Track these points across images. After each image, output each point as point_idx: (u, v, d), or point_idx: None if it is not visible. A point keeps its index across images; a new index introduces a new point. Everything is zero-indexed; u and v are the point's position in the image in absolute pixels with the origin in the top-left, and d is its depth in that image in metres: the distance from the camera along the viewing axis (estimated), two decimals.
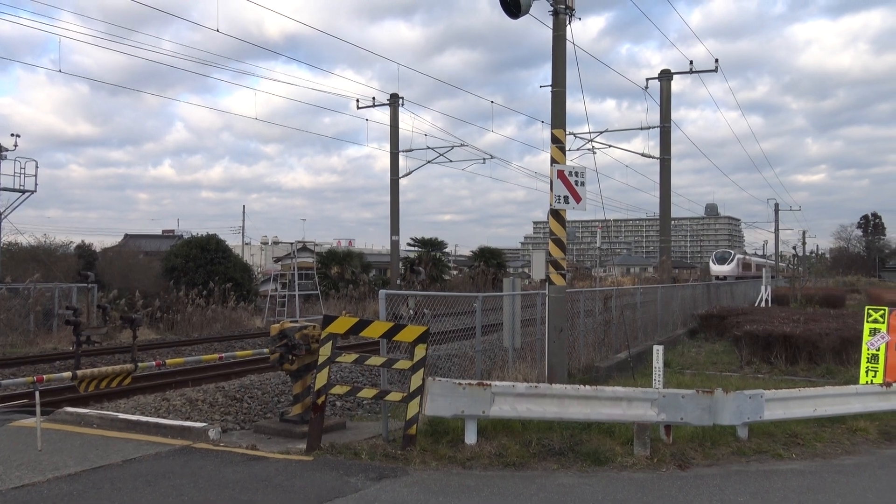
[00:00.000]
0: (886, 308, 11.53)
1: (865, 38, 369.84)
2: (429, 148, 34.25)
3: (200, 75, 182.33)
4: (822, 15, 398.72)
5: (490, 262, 48.08)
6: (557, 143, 10.63)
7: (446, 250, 51.91)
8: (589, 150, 27.95)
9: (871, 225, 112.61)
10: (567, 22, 10.70)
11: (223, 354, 9.94)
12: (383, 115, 34.68)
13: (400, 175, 35.01)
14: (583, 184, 10.44)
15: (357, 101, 33.97)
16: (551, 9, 10.67)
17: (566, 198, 10.36)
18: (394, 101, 34.13)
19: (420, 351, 8.06)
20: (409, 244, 48.37)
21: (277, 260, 40.21)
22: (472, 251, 56.85)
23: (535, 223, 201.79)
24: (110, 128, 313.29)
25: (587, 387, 8.44)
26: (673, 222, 37.47)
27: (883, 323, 11.24)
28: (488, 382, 8.12)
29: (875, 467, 7.95)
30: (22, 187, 25.66)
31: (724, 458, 7.99)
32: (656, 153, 29.09)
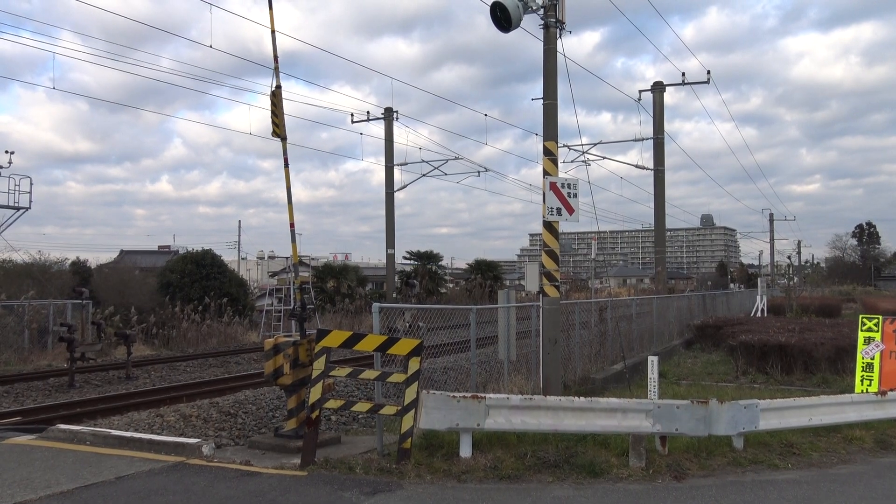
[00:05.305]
0: (880, 317, 11.56)
1: (857, 50, 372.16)
2: (424, 161, 34.48)
3: (199, 92, 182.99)
4: (814, 28, 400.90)
5: (486, 275, 47.98)
6: (550, 155, 10.67)
7: (442, 263, 51.81)
8: (583, 161, 28.12)
9: (866, 234, 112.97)
10: (558, 35, 10.79)
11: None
12: (379, 129, 34.85)
13: (395, 188, 35.13)
14: (575, 195, 10.47)
15: (352, 115, 34.18)
16: (542, 22, 10.76)
17: (559, 209, 10.39)
18: (388, 116, 34.30)
19: (414, 364, 8.05)
20: (405, 257, 48.35)
21: (273, 275, 40.14)
22: (468, 264, 56.86)
23: (531, 235, 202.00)
24: (109, 144, 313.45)
25: (582, 398, 8.42)
26: (668, 233, 37.59)
27: (877, 332, 11.26)
28: (482, 395, 8.10)
29: (871, 476, 7.93)
30: (16, 204, 25.66)
31: (719, 469, 7.97)
32: (651, 165, 29.28)
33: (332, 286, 36.48)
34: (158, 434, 9.74)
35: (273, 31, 9.72)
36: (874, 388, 10.90)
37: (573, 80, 11.83)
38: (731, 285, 66.11)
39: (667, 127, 29.27)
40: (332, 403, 8.75)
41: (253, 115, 40.66)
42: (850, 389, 11.59)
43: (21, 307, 22.12)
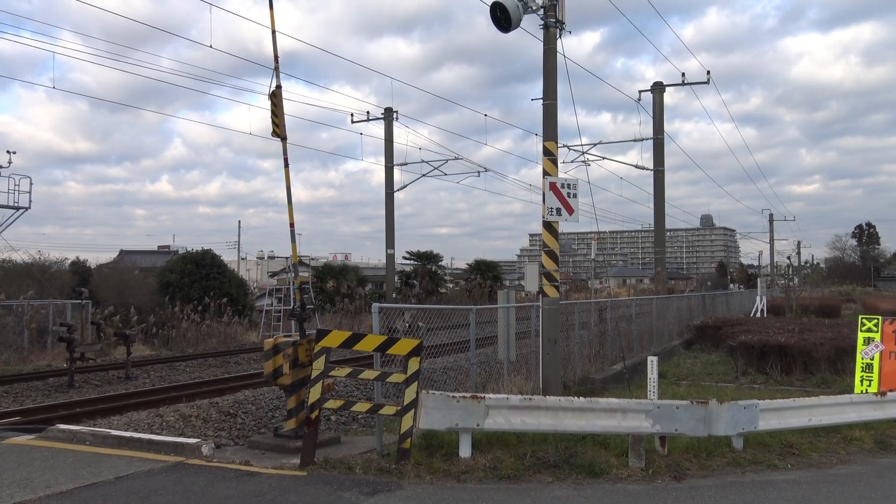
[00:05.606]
0: (880, 317, 11.56)
1: (856, 50, 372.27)
2: (423, 161, 34.53)
3: (199, 92, 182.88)
4: (813, 29, 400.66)
5: (486, 275, 48.00)
6: (549, 155, 10.67)
7: (442, 263, 51.77)
8: (583, 162, 28.13)
9: (866, 234, 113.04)
10: (557, 35, 10.79)
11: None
12: (379, 129, 34.89)
13: (395, 189, 35.15)
14: (575, 196, 10.47)
15: (352, 115, 34.19)
16: (542, 23, 10.76)
17: (559, 210, 10.39)
18: (388, 116, 34.31)
19: (414, 364, 8.05)
20: (405, 258, 48.34)
21: (273, 275, 40.15)
22: (468, 264, 56.83)
23: (531, 235, 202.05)
24: (109, 144, 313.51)
25: (581, 398, 8.42)
26: (668, 233, 37.58)
27: (877, 332, 11.27)
28: (482, 395, 8.09)
29: (870, 476, 7.94)
30: (16, 204, 25.67)
31: (719, 469, 7.97)
32: (651, 165, 29.29)
33: (332, 286, 36.48)
34: (158, 434, 9.73)
35: (273, 32, 9.72)
36: (874, 388, 10.90)
37: (573, 81, 11.84)
38: (731, 286, 66.14)
39: (667, 127, 29.30)
40: (332, 403, 8.75)
41: (253, 115, 40.70)
42: (850, 390, 11.59)
43: (21, 307, 22.11)
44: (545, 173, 10.60)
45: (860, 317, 11.80)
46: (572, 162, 29.54)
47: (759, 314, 31.46)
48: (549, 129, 10.85)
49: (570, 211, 10.44)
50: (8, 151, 25.52)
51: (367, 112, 34.10)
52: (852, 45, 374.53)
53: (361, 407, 8.68)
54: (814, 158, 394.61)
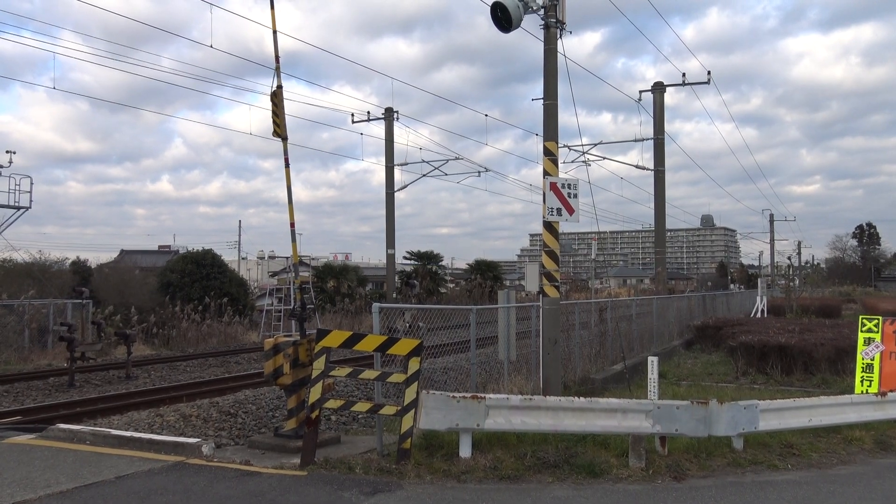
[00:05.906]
0: (880, 318, 11.56)
1: (857, 51, 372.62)
2: (424, 161, 34.56)
3: (200, 92, 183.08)
4: (814, 29, 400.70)
5: (486, 275, 48.01)
6: (550, 155, 10.68)
7: (442, 263, 51.79)
8: (583, 162, 28.15)
9: (866, 235, 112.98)
10: (558, 35, 10.79)
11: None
12: (380, 129, 34.85)
13: (396, 189, 35.16)
14: (575, 196, 10.47)
15: (352, 115, 34.19)
16: (542, 23, 10.76)
17: (559, 210, 10.39)
18: (389, 116, 34.31)
19: (414, 364, 8.05)
20: (405, 258, 48.36)
21: (273, 274, 40.14)
22: (468, 264, 56.89)
23: (531, 235, 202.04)
24: (109, 144, 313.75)
25: (582, 399, 8.42)
26: (668, 234, 37.59)
27: (877, 332, 11.27)
28: (482, 395, 8.10)
29: (870, 477, 7.94)
30: (17, 204, 25.70)
31: (719, 470, 7.97)
32: (651, 165, 29.30)
33: (333, 286, 36.47)
34: (158, 434, 9.74)
35: (275, 32, 9.72)
36: (874, 388, 10.90)
37: (573, 81, 11.85)
38: (732, 286, 66.16)
39: (667, 127, 29.31)
40: (332, 403, 8.75)
41: (253, 115, 40.65)
42: (850, 390, 11.59)
43: (21, 306, 22.13)
44: (546, 173, 10.60)
45: (860, 317, 11.80)
46: (573, 162, 29.59)
47: (759, 314, 31.45)
48: (550, 129, 10.85)
49: (571, 211, 10.45)
50: (8, 151, 25.58)
51: (368, 112, 34.13)
52: (853, 46, 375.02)
53: (362, 407, 8.68)
54: (814, 159, 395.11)
